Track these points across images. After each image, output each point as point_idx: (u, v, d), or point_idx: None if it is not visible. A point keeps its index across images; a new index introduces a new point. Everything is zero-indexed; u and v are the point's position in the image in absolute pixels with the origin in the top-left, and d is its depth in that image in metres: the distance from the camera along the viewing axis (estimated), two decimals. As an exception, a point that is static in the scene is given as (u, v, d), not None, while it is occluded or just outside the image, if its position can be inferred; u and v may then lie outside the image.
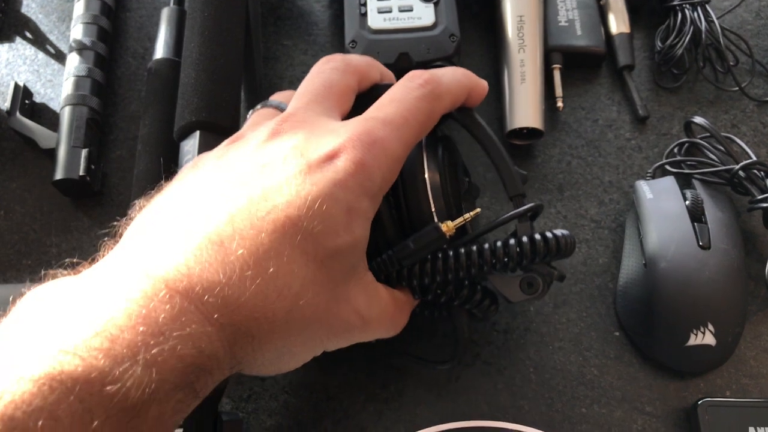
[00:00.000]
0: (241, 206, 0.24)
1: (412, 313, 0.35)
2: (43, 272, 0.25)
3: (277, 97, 0.35)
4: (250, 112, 0.34)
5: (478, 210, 0.32)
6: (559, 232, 0.32)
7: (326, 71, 0.31)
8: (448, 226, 0.30)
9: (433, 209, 0.31)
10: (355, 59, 0.32)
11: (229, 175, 0.26)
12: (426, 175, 0.31)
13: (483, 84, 0.32)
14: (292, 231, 0.24)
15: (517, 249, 0.31)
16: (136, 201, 0.28)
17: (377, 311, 0.29)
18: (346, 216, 0.25)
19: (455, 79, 0.31)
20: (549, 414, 0.37)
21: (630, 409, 0.37)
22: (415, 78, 0.30)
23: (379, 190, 0.27)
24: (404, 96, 0.29)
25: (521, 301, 0.32)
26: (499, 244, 0.31)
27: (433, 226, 0.30)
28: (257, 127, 0.30)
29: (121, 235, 0.27)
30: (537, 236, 0.31)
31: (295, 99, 0.30)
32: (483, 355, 0.39)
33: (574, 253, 0.41)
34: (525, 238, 0.31)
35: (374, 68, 0.33)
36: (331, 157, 0.26)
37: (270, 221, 0.24)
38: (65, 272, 0.25)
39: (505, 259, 0.31)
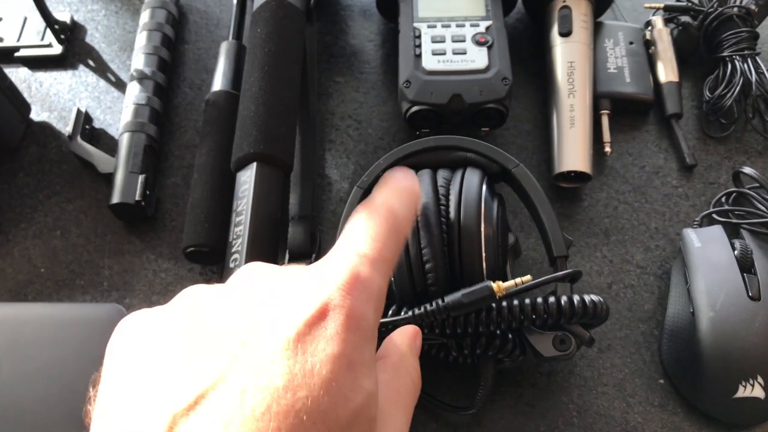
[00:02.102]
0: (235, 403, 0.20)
1: (437, 356, 0.36)
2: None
3: None
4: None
5: (529, 277, 0.33)
6: (595, 297, 0.34)
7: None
8: (499, 287, 0.32)
9: (484, 265, 0.34)
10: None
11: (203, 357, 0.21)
12: (482, 233, 0.34)
13: (414, 189, 0.28)
14: (297, 421, 0.20)
15: (556, 308, 0.33)
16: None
17: None
18: (350, 374, 0.21)
19: (395, 192, 0.27)
20: (592, 460, 0.37)
21: (675, 460, 0.37)
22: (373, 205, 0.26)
23: (374, 327, 0.24)
24: (374, 222, 0.25)
25: (552, 357, 0.34)
26: (539, 301, 0.33)
27: (486, 285, 0.32)
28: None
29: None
30: (575, 298, 0.33)
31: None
32: (526, 396, 0.39)
33: (620, 298, 0.41)
34: (564, 299, 0.33)
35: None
36: (321, 317, 0.22)
37: (274, 414, 0.20)
38: None
39: (544, 316, 0.33)
